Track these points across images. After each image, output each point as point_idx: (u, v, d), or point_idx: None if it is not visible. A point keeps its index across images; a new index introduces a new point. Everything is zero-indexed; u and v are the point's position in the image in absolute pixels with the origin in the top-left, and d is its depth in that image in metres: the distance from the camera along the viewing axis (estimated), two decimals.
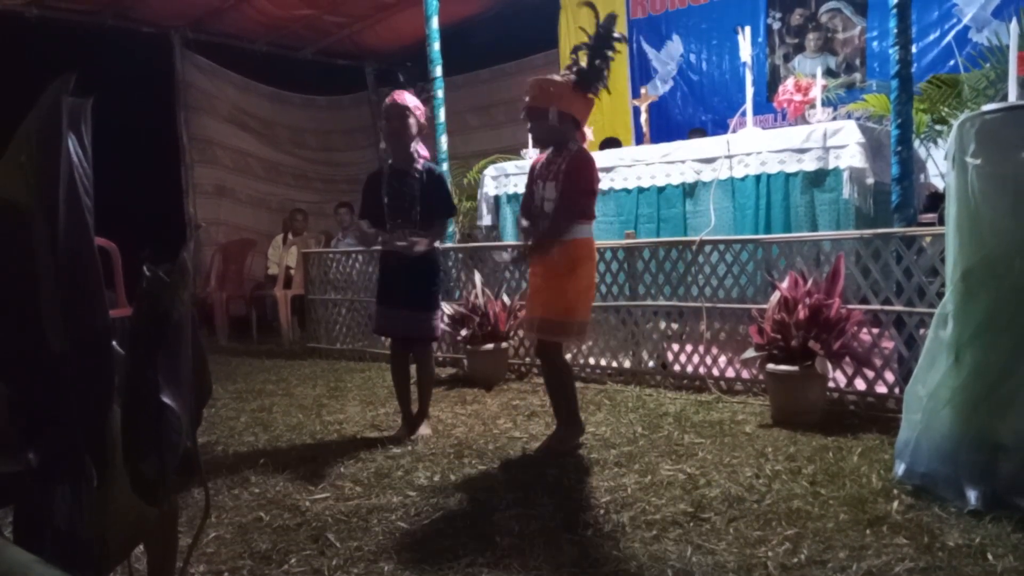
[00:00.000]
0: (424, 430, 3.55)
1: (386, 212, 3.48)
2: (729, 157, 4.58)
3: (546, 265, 3.11)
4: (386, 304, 3.56)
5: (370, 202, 3.56)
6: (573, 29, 8.06)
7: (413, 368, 3.67)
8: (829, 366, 3.40)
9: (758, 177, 4.49)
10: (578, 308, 3.11)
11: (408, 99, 3.47)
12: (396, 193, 3.48)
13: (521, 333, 4.92)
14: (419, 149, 3.53)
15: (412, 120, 3.46)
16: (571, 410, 3.22)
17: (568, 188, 3.07)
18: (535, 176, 3.22)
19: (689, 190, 4.80)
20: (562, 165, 3.10)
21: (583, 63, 3.09)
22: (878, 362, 3.51)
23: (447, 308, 4.89)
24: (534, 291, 3.21)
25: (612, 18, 3.13)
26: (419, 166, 3.51)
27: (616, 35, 3.10)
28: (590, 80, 3.09)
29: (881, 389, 3.53)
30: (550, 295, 3.10)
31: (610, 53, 3.10)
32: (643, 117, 5.90)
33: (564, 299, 3.08)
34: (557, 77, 3.16)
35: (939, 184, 5.00)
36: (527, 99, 3.13)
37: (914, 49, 4.38)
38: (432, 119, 5.43)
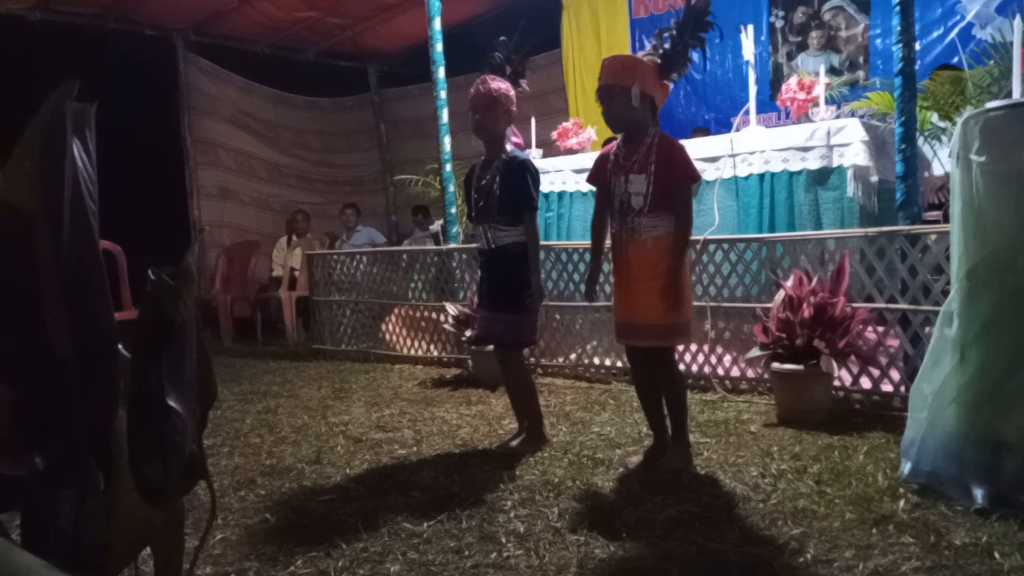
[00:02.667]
0: (524, 444, 3.24)
1: (473, 209, 3.28)
2: (733, 156, 4.57)
3: (640, 263, 2.83)
4: (479, 305, 3.45)
5: (467, 200, 3.38)
6: (575, 29, 8.07)
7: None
8: (834, 365, 3.39)
9: (762, 176, 4.48)
10: (685, 305, 2.85)
11: (495, 84, 3.19)
12: (479, 188, 3.25)
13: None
14: (511, 136, 3.27)
15: (500, 107, 3.18)
16: (685, 426, 2.96)
17: (670, 179, 2.78)
18: (610, 169, 2.92)
19: (693, 189, 4.79)
20: (650, 155, 2.81)
21: (666, 46, 2.83)
22: (883, 360, 3.51)
23: (451, 309, 4.90)
24: (627, 293, 2.88)
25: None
26: (504, 156, 3.21)
27: (709, 17, 2.84)
28: (673, 64, 2.84)
29: (886, 387, 3.52)
30: (650, 296, 2.80)
31: (700, 35, 2.85)
32: None
33: (667, 298, 2.79)
34: (640, 56, 2.91)
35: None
36: (603, 78, 2.85)
37: (918, 46, 4.36)
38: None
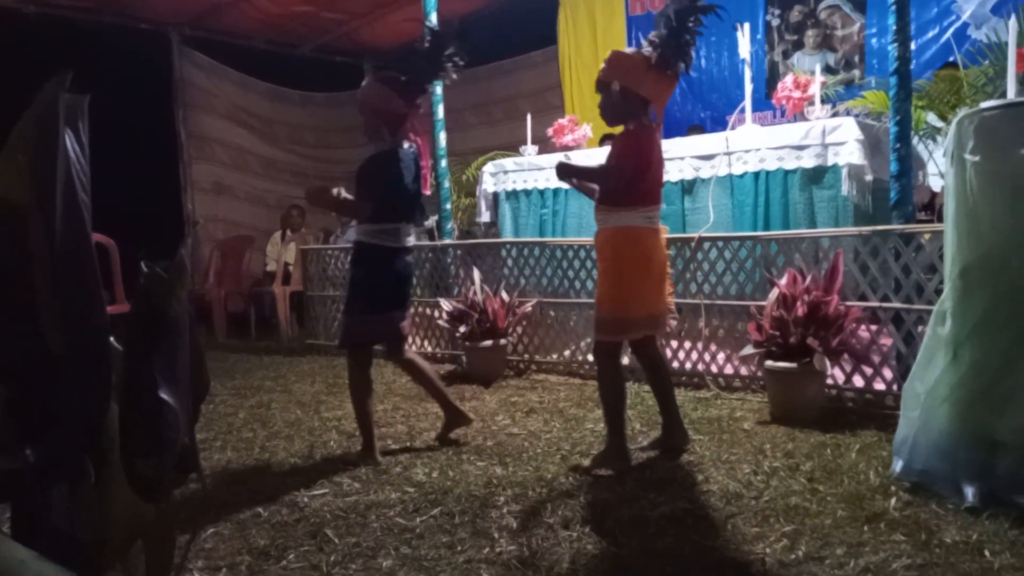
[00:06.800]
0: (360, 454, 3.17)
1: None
2: (728, 154, 4.58)
3: (598, 256, 2.96)
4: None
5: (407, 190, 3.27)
6: (571, 26, 8.06)
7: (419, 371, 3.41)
8: (827, 363, 3.40)
9: (757, 174, 4.48)
10: (605, 301, 2.87)
11: None
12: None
13: (520, 330, 4.93)
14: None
15: None
16: (610, 427, 2.91)
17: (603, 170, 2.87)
18: None
19: (688, 187, 4.80)
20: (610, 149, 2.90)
21: (664, 37, 2.77)
22: (876, 359, 3.52)
23: (445, 304, 4.90)
24: None
25: None
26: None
27: (705, 3, 2.77)
28: (671, 56, 2.78)
29: (879, 386, 3.53)
30: (597, 288, 2.94)
31: (696, 26, 2.78)
32: None
33: (600, 291, 2.91)
34: (632, 50, 2.88)
35: (937, 184, 4.99)
36: (599, 73, 2.92)
37: (913, 46, 4.37)
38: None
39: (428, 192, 3.35)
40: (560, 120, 5.84)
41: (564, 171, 3.03)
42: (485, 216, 5.94)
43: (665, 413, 3.09)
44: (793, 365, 3.36)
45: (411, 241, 3.22)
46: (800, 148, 4.31)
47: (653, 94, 2.83)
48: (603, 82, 2.88)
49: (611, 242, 2.87)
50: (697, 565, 2.03)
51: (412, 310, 5.59)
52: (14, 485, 1.12)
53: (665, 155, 4.81)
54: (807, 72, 5.15)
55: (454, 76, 3.15)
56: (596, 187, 2.98)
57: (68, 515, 1.13)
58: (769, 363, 3.45)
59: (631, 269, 2.84)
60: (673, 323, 3.22)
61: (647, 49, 2.82)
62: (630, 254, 2.84)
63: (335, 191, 3.12)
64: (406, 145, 3.16)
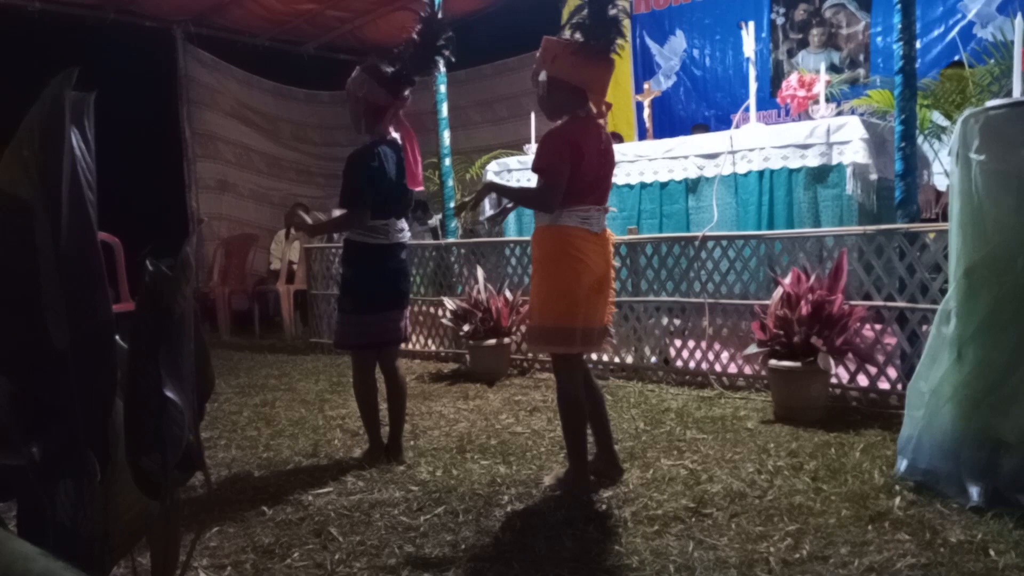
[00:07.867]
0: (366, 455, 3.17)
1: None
2: (732, 153, 4.57)
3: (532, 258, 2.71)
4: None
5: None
6: None
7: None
8: (831, 362, 3.40)
9: (761, 173, 4.48)
10: (538, 311, 2.63)
11: None
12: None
13: (523, 328, 4.93)
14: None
15: None
16: (569, 448, 2.70)
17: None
18: None
19: (692, 186, 4.80)
20: None
21: (588, 16, 2.53)
22: (880, 358, 3.51)
23: (449, 303, 4.91)
24: None
25: None
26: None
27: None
28: (596, 37, 2.50)
29: (883, 385, 3.52)
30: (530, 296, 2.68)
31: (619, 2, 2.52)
32: (646, 112, 5.89)
33: (532, 300, 2.68)
34: (561, 37, 2.62)
35: (942, 183, 4.98)
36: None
37: (918, 45, 4.35)
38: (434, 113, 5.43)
39: (421, 188, 3.24)
40: None
41: (493, 190, 2.87)
42: (489, 215, 5.93)
43: (598, 442, 2.78)
44: (797, 364, 3.36)
45: (403, 237, 3.13)
46: (804, 147, 4.30)
47: (586, 81, 2.56)
48: (535, 73, 2.61)
49: (539, 242, 2.63)
50: (701, 564, 2.03)
51: (416, 309, 5.60)
52: (20, 481, 1.12)
53: (669, 154, 4.89)
54: (812, 71, 5.14)
55: (442, 69, 2.99)
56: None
57: (74, 512, 1.13)
58: (773, 362, 3.45)
59: (558, 273, 2.56)
60: (612, 342, 2.89)
61: (574, 34, 2.56)
62: (557, 256, 2.56)
63: (301, 217, 3.05)
64: (389, 138, 3.06)
